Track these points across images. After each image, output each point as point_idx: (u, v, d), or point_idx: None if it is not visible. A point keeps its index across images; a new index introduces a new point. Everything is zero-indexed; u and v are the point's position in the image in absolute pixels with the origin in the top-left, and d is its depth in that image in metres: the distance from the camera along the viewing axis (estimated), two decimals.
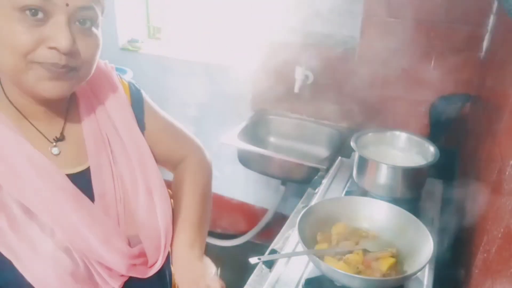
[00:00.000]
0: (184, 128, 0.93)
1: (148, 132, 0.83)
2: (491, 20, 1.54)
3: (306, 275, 0.97)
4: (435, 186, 1.36)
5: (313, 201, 1.26)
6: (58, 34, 0.59)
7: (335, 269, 0.84)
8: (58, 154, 0.71)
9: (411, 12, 1.65)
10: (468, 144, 1.47)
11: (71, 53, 0.61)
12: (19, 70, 0.61)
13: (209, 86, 2.24)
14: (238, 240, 2.32)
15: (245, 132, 1.97)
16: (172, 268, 0.90)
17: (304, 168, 1.75)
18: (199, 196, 0.90)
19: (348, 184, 1.37)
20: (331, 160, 1.63)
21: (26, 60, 0.60)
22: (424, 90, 1.74)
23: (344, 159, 1.55)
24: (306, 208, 0.99)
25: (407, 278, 0.87)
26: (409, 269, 0.90)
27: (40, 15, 0.58)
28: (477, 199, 1.04)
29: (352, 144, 1.27)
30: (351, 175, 1.36)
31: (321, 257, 0.91)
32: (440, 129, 1.73)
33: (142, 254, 0.75)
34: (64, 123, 0.73)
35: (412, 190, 1.22)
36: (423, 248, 0.90)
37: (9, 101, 0.67)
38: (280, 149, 2.07)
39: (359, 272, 0.88)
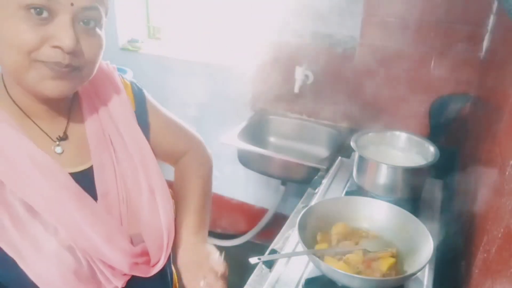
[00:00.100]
0: (184, 123, 0.94)
1: (153, 130, 0.85)
2: (491, 20, 1.54)
3: (306, 275, 0.97)
4: (435, 186, 1.36)
5: (313, 201, 1.26)
6: (62, 33, 0.59)
7: (335, 269, 0.84)
8: (61, 153, 0.71)
9: (411, 12, 1.66)
10: (468, 144, 1.47)
11: (75, 53, 0.62)
12: (22, 69, 0.61)
13: (209, 86, 2.24)
14: (238, 240, 2.32)
15: (245, 132, 1.97)
16: (174, 267, 0.90)
17: (304, 168, 1.75)
18: (202, 187, 0.94)
19: (348, 184, 1.37)
20: (331, 160, 1.63)
21: (30, 59, 0.60)
22: (424, 90, 1.74)
23: (344, 159, 1.55)
24: (306, 208, 0.99)
25: (407, 278, 0.87)
26: (409, 269, 0.90)
27: (44, 14, 0.59)
28: (477, 199, 1.04)
29: (352, 144, 1.27)
30: (351, 175, 1.36)
31: (321, 257, 0.91)
32: (440, 129, 1.73)
33: (145, 253, 0.76)
34: (67, 123, 0.73)
35: (412, 190, 1.22)
36: (423, 248, 0.90)
37: (12, 100, 0.67)
38: (280, 149, 2.07)
39: (359, 272, 0.88)
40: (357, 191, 1.29)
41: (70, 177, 0.68)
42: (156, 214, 0.77)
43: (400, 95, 1.79)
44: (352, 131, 1.88)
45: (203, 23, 2.33)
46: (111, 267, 0.71)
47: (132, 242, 0.74)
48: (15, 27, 0.58)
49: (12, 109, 0.67)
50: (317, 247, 0.96)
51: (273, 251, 1.08)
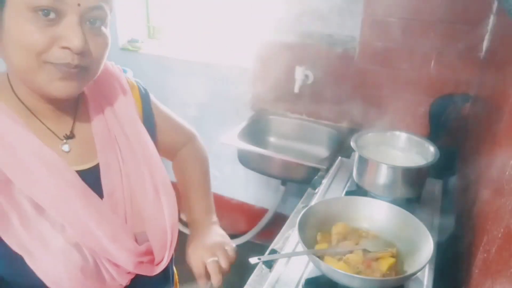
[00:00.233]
0: (178, 117, 0.98)
1: (158, 130, 0.88)
2: (491, 20, 1.54)
3: (306, 275, 0.97)
4: (435, 186, 1.36)
5: (313, 201, 1.26)
6: (70, 34, 0.60)
7: (335, 269, 0.84)
8: (69, 151, 0.72)
9: (411, 12, 1.66)
10: (468, 144, 1.47)
11: (83, 53, 0.62)
12: (31, 70, 0.61)
13: (209, 86, 2.24)
14: (238, 240, 2.32)
15: (245, 132, 1.97)
16: (175, 267, 0.91)
17: (304, 168, 1.75)
18: (205, 174, 0.99)
19: (348, 184, 1.37)
20: (331, 160, 1.63)
21: (39, 60, 0.61)
22: (424, 90, 1.74)
23: (344, 159, 1.55)
24: (306, 208, 0.99)
25: (407, 278, 0.87)
26: (409, 269, 0.90)
27: (52, 15, 0.59)
28: (477, 199, 1.04)
29: (352, 144, 1.26)
30: (351, 175, 1.36)
31: (321, 257, 0.91)
32: (440, 129, 1.73)
33: (149, 252, 0.77)
34: (74, 121, 0.74)
35: (412, 190, 1.22)
36: (423, 248, 0.90)
37: (19, 99, 0.68)
38: (280, 149, 2.07)
39: (359, 272, 0.88)
40: (357, 191, 1.29)
41: (77, 175, 0.69)
42: (161, 213, 0.78)
43: (400, 95, 1.79)
44: (352, 131, 1.88)
45: (203, 23, 2.33)
46: (116, 265, 0.72)
47: (136, 241, 0.75)
48: (24, 29, 0.59)
49: (19, 108, 0.68)
50: (317, 247, 0.96)
51: (273, 251, 1.08)
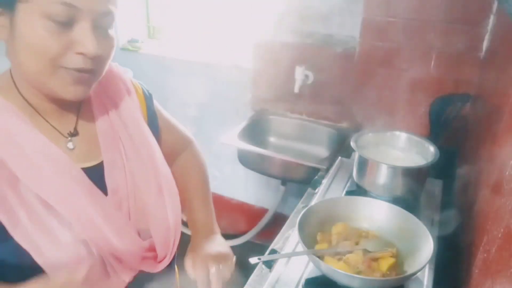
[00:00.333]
0: (177, 121, 0.99)
1: (161, 132, 0.89)
2: (491, 20, 1.54)
3: (306, 275, 0.97)
4: (435, 186, 1.36)
5: (313, 201, 1.26)
6: (84, 39, 0.62)
7: (335, 269, 0.84)
8: (73, 149, 0.73)
9: (411, 12, 1.65)
10: (468, 144, 1.47)
11: (95, 57, 0.64)
12: (45, 75, 0.63)
13: (209, 86, 2.24)
14: (238, 240, 2.32)
15: (245, 132, 1.97)
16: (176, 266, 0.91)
17: (304, 168, 1.75)
18: (205, 181, 1.00)
19: (348, 184, 1.37)
20: (331, 160, 1.63)
21: (53, 65, 0.62)
22: (424, 90, 1.74)
23: (344, 159, 1.55)
24: (306, 208, 0.99)
25: (407, 278, 0.87)
26: (409, 269, 0.90)
27: (65, 22, 0.61)
28: (477, 199, 1.04)
29: (352, 144, 1.27)
30: (351, 175, 1.36)
31: (321, 257, 0.91)
32: (440, 129, 1.73)
33: (152, 249, 0.78)
34: (77, 119, 0.75)
35: (412, 190, 1.22)
36: (423, 248, 0.90)
37: (23, 97, 0.69)
38: (280, 149, 2.07)
39: (359, 272, 0.88)
40: (357, 191, 1.29)
41: (82, 172, 0.70)
42: (164, 211, 0.79)
43: (400, 95, 1.79)
44: (352, 131, 1.88)
45: (203, 23, 2.33)
46: (120, 261, 0.73)
47: (140, 237, 0.76)
48: (38, 35, 0.60)
49: (23, 107, 0.69)
50: (317, 247, 0.96)
51: (273, 251, 1.08)
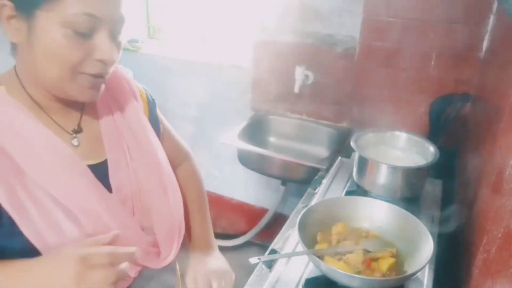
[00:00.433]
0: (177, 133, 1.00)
1: (163, 138, 0.90)
2: (491, 20, 1.54)
3: (306, 275, 0.97)
4: (435, 186, 1.36)
5: (313, 201, 1.26)
6: (104, 47, 0.65)
7: (335, 269, 0.84)
8: (78, 145, 0.74)
9: (411, 12, 1.66)
10: (468, 144, 1.47)
11: (112, 63, 0.67)
12: (64, 81, 0.65)
13: (209, 86, 2.24)
14: (238, 240, 2.32)
15: (245, 132, 1.97)
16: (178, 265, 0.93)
17: (304, 168, 1.75)
18: (203, 196, 1.00)
19: (348, 184, 1.37)
20: (331, 160, 1.63)
21: (73, 72, 0.65)
22: (424, 90, 1.74)
23: (344, 159, 1.55)
24: (306, 208, 0.99)
25: (407, 278, 0.87)
26: (409, 269, 0.90)
27: (87, 31, 0.63)
28: (477, 199, 1.04)
29: (352, 144, 1.26)
30: (351, 175, 1.36)
31: (321, 257, 0.91)
32: (440, 129, 1.73)
33: (155, 244, 0.79)
34: (81, 116, 0.76)
35: (412, 190, 1.22)
36: (423, 248, 0.90)
37: (28, 95, 0.70)
38: (280, 149, 2.07)
39: (359, 272, 0.88)
40: (357, 191, 1.29)
41: (87, 168, 0.71)
42: (168, 210, 0.80)
43: (400, 95, 1.79)
44: (352, 131, 1.88)
45: (203, 23, 2.33)
46: None
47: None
48: (59, 43, 0.62)
49: (27, 104, 0.70)
50: (317, 247, 0.96)
51: (273, 251, 1.08)
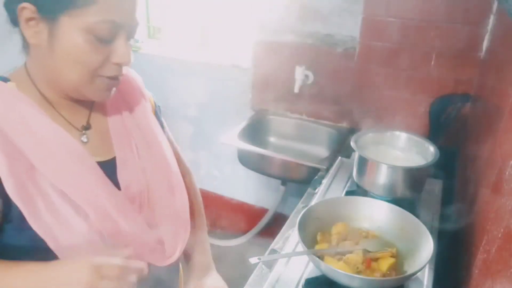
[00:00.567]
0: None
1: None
2: (491, 20, 1.54)
3: (306, 275, 0.97)
4: (435, 186, 1.36)
5: (313, 201, 1.26)
6: (122, 51, 0.68)
7: (335, 269, 0.84)
8: (87, 142, 0.75)
9: (411, 12, 1.66)
10: (468, 144, 1.47)
11: (127, 65, 0.70)
12: (84, 83, 0.67)
13: (209, 86, 2.24)
14: (238, 240, 2.32)
15: (245, 132, 1.97)
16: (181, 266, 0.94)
17: (304, 168, 1.75)
18: (202, 215, 1.00)
19: (348, 184, 1.37)
20: (331, 160, 1.63)
21: (92, 75, 0.67)
22: (424, 90, 1.74)
23: (344, 159, 1.55)
24: (306, 208, 0.99)
25: (407, 278, 0.87)
26: (409, 269, 0.90)
27: (108, 37, 0.66)
28: (477, 199, 1.04)
29: (352, 144, 1.26)
30: (351, 175, 1.36)
31: (321, 257, 0.91)
32: (440, 129, 1.73)
33: (161, 242, 0.79)
34: (89, 114, 0.78)
35: (412, 190, 1.22)
36: (423, 248, 0.90)
37: (38, 91, 0.71)
38: (280, 149, 2.07)
39: (359, 272, 0.88)
40: (357, 191, 1.29)
41: (96, 164, 0.72)
42: (175, 208, 0.81)
43: (400, 95, 1.79)
44: (352, 131, 1.88)
45: (203, 23, 2.33)
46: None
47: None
48: (81, 48, 0.64)
49: (37, 100, 0.71)
50: (317, 247, 0.96)
51: (273, 251, 1.08)
